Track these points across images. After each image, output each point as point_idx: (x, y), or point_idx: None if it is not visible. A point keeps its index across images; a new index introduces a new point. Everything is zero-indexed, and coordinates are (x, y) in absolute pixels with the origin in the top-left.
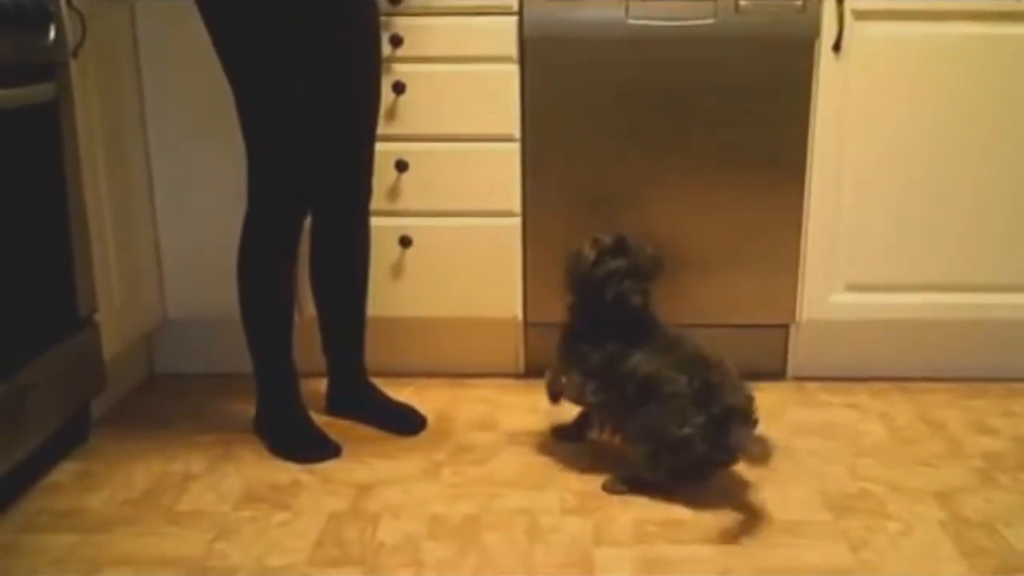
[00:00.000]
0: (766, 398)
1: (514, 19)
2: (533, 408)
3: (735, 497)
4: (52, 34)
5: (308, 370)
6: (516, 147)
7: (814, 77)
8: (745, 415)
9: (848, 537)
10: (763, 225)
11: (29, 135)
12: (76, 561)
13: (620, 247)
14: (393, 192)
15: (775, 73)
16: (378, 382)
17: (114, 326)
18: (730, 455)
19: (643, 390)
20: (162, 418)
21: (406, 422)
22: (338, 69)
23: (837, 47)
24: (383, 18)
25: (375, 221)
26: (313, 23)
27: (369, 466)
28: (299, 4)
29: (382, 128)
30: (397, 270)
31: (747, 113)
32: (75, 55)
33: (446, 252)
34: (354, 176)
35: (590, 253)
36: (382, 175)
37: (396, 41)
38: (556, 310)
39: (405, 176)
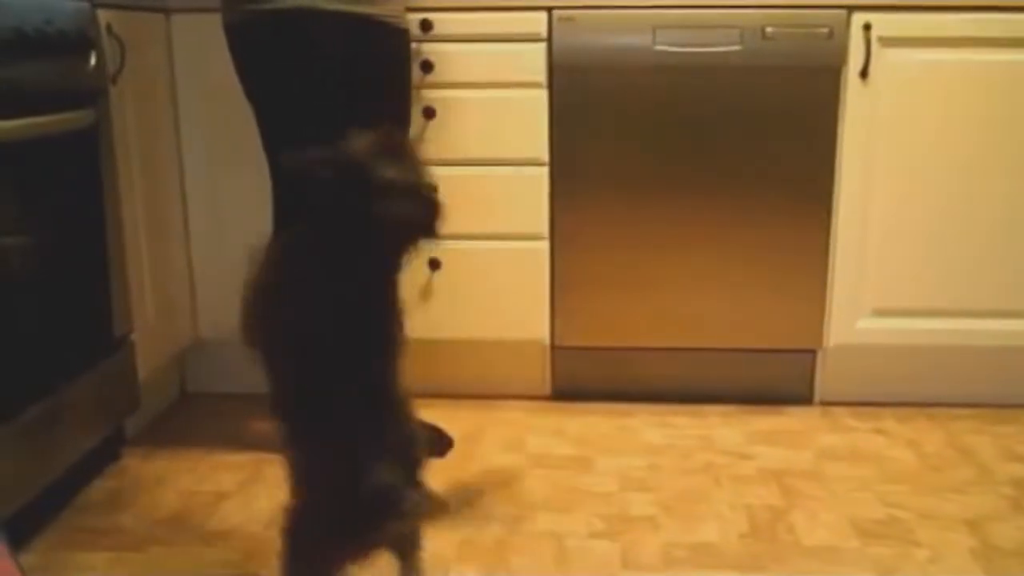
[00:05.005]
0: (792, 423)
1: (543, 46)
2: (560, 430)
3: (762, 522)
4: (93, 60)
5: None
6: (544, 171)
7: (841, 103)
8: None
9: (877, 564)
10: (790, 250)
11: (69, 160)
12: None
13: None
14: None
15: (802, 100)
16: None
17: (148, 346)
18: None
19: None
20: (194, 438)
21: (433, 443)
22: (368, 96)
23: (864, 74)
24: (414, 45)
25: None
26: (343, 54)
27: None
28: (326, 36)
29: None
30: (426, 292)
31: (774, 139)
32: (114, 81)
33: (474, 275)
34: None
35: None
36: None
37: (427, 67)
38: (584, 333)
39: None
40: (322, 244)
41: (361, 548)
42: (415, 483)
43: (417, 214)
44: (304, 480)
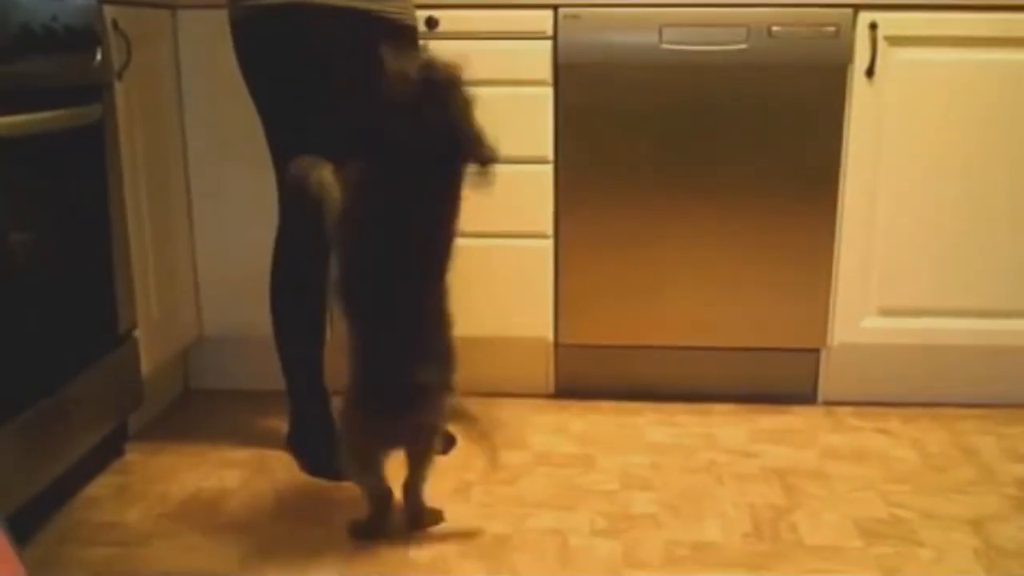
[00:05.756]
0: (796, 422)
1: (549, 43)
2: (563, 428)
3: (764, 521)
4: (98, 56)
5: (342, 388)
6: (549, 169)
7: (847, 102)
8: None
9: (880, 564)
10: (795, 248)
11: (75, 155)
12: (113, 574)
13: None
14: None
15: (808, 98)
16: None
17: (152, 342)
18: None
19: None
20: (197, 434)
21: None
22: (367, 90)
23: (870, 72)
24: (420, 41)
25: None
26: (342, 49)
27: (400, 484)
28: (324, 31)
29: None
30: None
31: (780, 137)
32: (120, 77)
33: (478, 272)
34: None
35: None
36: None
37: None
38: (587, 331)
39: None
40: (396, 159)
41: (397, 433)
42: (448, 387)
43: (477, 136)
44: (361, 368)
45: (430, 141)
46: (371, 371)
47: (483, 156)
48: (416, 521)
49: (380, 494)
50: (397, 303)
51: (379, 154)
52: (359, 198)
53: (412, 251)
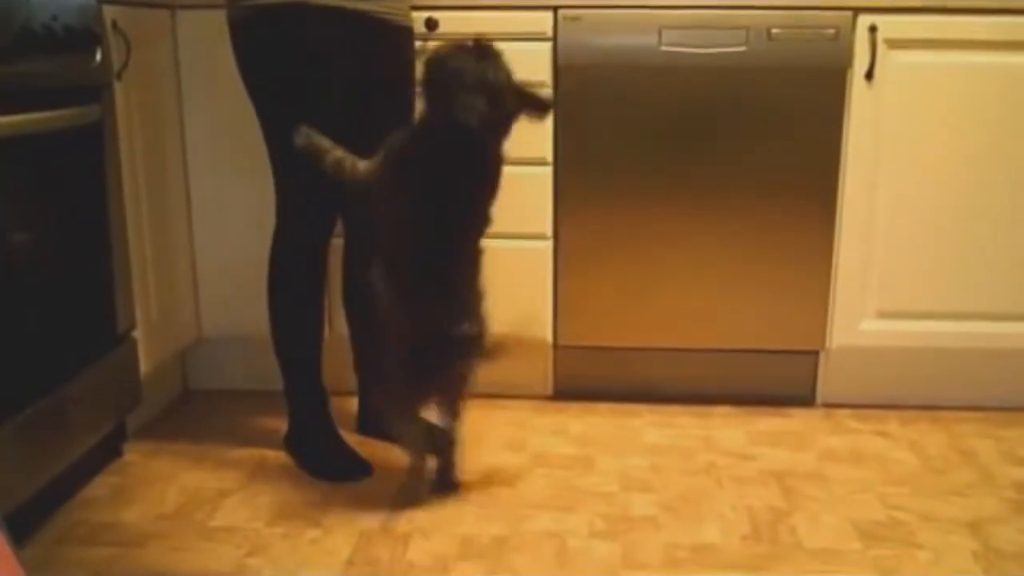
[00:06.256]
0: (795, 424)
1: (549, 45)
2: (562, 430)
3: (763, 523)
4: (98, 56)
5: (341, 389)
6: (549, 171)
7: (846, 105)
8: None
9: (878, 566)
10: (794, 250)
11: (74, 155)
12: (112, 574)
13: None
14: None
15: (807, 101)
16: None
17: (150, 343)
18: None
19: None
20: (195, 434)
21: (435, 443)
22: (365, 91)
23: (870, 75)
24: (418, 43)
25: None
26: (339, 50)
27: (399, 485)
28: (319, 31)
29: None
30: None
31: (779, 140)
32: (119, 77)
33: None
34: None
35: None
36: None
37: None
38: (586, 333)
39: None
40: (443, 133)
41: (445, 381)
42: (483, 338)
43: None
44: (407, 325)
45: (490, 102)
46: (421, 326)
47: (542, 104)
48: (451, 475)
49: (424, 444)
50: (447, 262)
51: (439, 119)
52: (409, 166)
53: (463, 212)
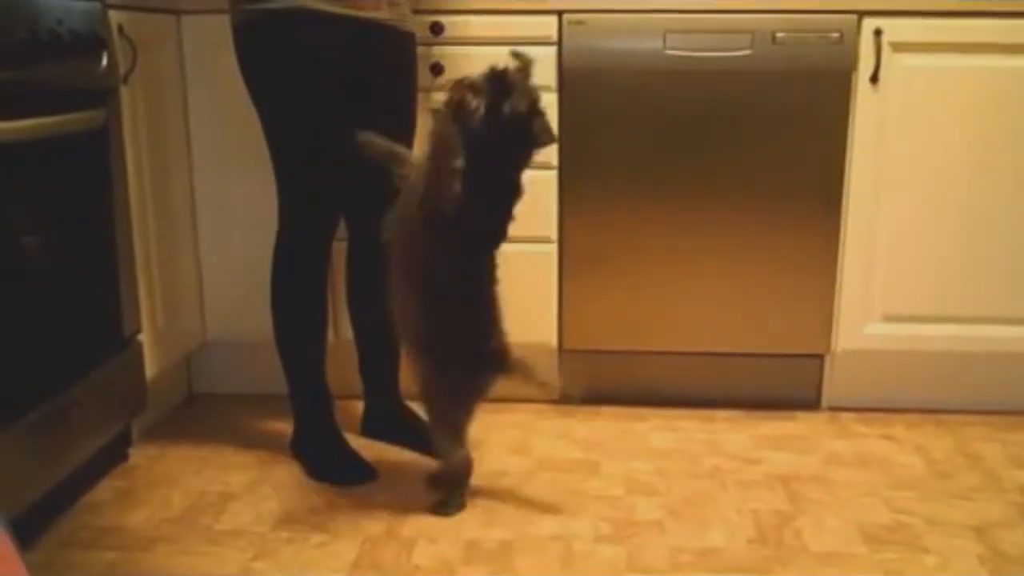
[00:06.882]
0: (800, 428)
1: (553, 49)
2: (567, 434)
3: (768, 527)
4: (104, 61)
5: (346, 392)
6: (553, 175)
7: (851, 109)
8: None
9: (884, 570)
10: (799, 254)
11: (80, 159)
12: None
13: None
14: None
15: (812, 105)
16: (413, 406)
17: (156, 347)
18: None
19: None
20: (201, 438)
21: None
22: (366, 97)
23: (874, 79)
24: (423, 48)
25: None
26: (340, 55)
27: (404, 489)
28: (320, 37)
29: None
30: None
31: (784, 144)
32: (125, 81)
33: None
34: (389, 199)
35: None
36: None
37: (437, 70)
38: (591, 337)
39: None
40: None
41: (483, 392)
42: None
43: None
44: (448, 339)
45: (519, 124)
46: (462, 339)
47: (549, 140)
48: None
49: (467, 459)
50: (481, 276)
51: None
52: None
53: (494, 227)
